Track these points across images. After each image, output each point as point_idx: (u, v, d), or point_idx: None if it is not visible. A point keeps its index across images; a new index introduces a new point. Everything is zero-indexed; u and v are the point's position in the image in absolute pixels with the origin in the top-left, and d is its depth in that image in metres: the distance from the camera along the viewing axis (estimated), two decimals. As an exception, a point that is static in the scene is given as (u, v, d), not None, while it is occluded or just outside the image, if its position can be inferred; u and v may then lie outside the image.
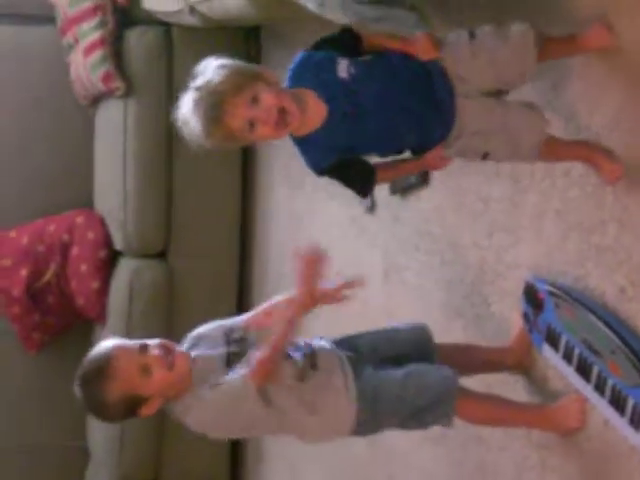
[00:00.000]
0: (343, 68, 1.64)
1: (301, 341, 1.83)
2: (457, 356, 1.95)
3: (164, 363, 1.72)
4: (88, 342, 3.66)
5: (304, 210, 3.18)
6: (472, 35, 1.69)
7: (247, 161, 3.61)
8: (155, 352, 1.73)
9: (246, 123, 1.60)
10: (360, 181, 1.74)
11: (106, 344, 1.77)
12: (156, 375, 1.71)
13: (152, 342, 1.76)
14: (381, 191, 2.64)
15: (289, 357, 1.77)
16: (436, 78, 1.68)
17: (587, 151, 1.74)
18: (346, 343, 1.88)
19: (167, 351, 1.74)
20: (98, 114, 3.61)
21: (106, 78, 3.34)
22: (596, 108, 1.74)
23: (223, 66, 1.62)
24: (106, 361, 1.72)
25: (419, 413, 1.78)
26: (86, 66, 3.39)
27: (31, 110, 3.72)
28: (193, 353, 1.80)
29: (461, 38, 1.69)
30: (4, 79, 3.71)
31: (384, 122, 1.66)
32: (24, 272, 3.55)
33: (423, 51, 1.67)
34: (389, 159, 1.77)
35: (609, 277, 1.72)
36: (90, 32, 3.36)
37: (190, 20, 3.04)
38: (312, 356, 1.80)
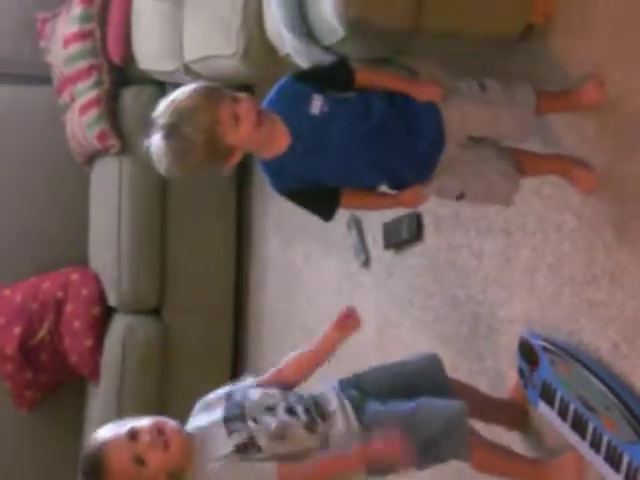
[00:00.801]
0: (317, 105, 1.66)
1: (304, 392, 1.82)
2: (469, 394, 1.92)
3: (157, 446, 1.70)
4: (81, 400, 3.65)
5: (299, 263, 3.18)
6: (482, 86, 1.72)
7: (241, 216, 3.62)
8: (146, 439, 1.70)
9: (230, 117, 1.59)
10: (322, 207, 1.74)
11: (97, 439, 1.74)
12: (151, 461, 1.70)
13: (143, 425, 1.72)
14: (375, 246, 2.65)
15: (293, 413, 1.75)
16: (426, 121, 1.69)
17: (561, 163, 1.78)
18: (352, 382, 1.86)
19: (159, 431, 1.71)
20: (93, 171, 3.63)
21: (101, 136, 3.37)
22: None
23: (183, 92, 1.62)
24: (100, 461, 1.71)
25: (432, 445, 1.72)
26: (82, 124, 3.42)
27: (27, 168, 3.74)
28: (193, 423, 1.78)
29: (473, 87, 1.72)
30: (1, 138, 3.73)
31: (348, 162, 1.67)
32: (17, 330, 3.53)
33: (429, 94, 1.69)
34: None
35: (603, 332, 1.72)
36: (86, 91, 3.39)
37: (185, 80, 3.08)
38: (317, 406, 1.77)
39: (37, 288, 3.57)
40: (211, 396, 1.84)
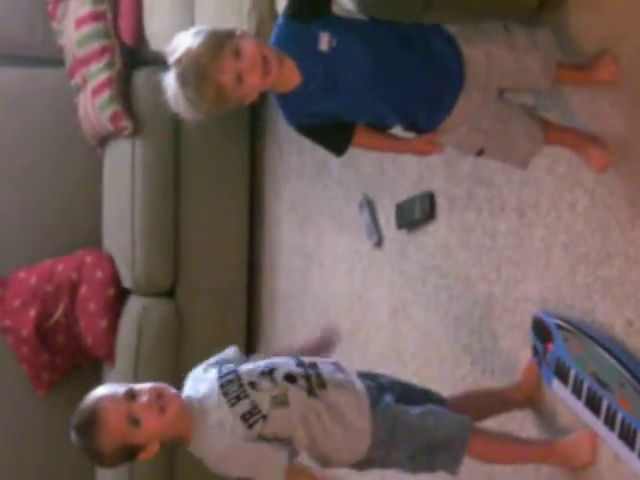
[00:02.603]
0: (324, 41, 1.63)
1: (306, 360, 1.82)
2: (469, 404, 1.94)
3: (153, 410, 1.69)
4: (97, 381, 3.67)
5: (312, 243, 3.19)
6: (507, 29, 1.69)
7: (254, 195, 3.63)
8: (143, 399, 1.69)
9: (234, 77, 1.58)
10: (335, 141, 1.72)
11: (94, 394, 1.73)
12: (146, 423, 1.68)
13: (141, 387, 1.72)
14: (388, 226, 2.65)
15: (292, 379, 1.75)
16: (445, 59, 1.65)
17: (576, 138, 1.76)
18: (369, 376, 1.87)
19: (157, 395, 1.71)
20: (106, 154, 3.64)
21: (114, 118, 3.37)
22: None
23: (196, 33, 1.61)
24: (94, 414, 1.69)
25: (432, 449, 1.76)
26: (94, 106, 3.42)
27: (39, 151, 3.75)
28: (186, 393, 1.78)
29: (498, 28, 1.69)
30: (14, 121, 3.74)
31: (360, 97, 1.65)
32: (33, 312, 3.55)
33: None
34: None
35: (617, 310, 1.71)
36: (98, 73, 3.39)
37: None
38: (318, 377, 1.77)
39: (52, 270, 3.59)
40: (199, 368, 1.84)
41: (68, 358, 3.66)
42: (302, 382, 1.75)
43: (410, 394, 1.86)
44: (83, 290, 3.53)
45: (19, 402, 3.73)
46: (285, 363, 1.79)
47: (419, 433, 1.75)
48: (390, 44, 1.64)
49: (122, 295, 3.55)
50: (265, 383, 1.74)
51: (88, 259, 3.58)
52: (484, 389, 2.07)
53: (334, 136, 1.72)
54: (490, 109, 1.70)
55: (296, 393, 1.73)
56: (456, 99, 1.66)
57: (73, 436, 1.73)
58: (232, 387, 1.74)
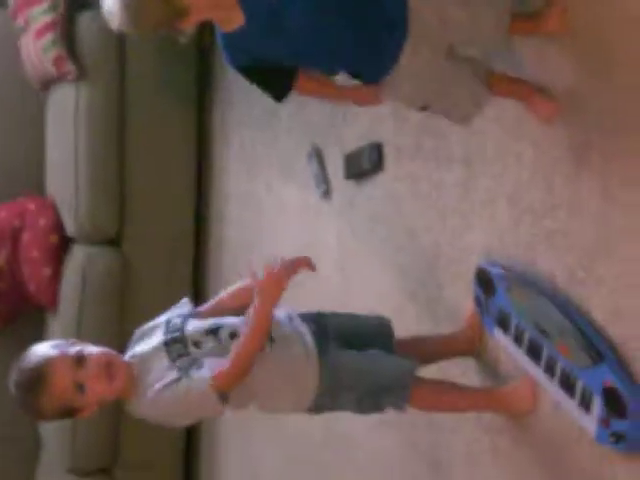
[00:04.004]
0: None
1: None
2: (415, 348, 1.96)
3: (101, 378, 1.68)
4: (40, 330, 3.63)
5: (260, 192, 3.17)
6: None
7: (202, 142, 3.58)
8: (92, 368, 1.68)
9: None
10: (276, 85, 1.68)
11: (42, 352, 1.69)
12: (90, 391, 1.68)
13: (91, 352, 1.70)
14: (336, 176, 2.64)
15: (236, 337, 1.73)
16: (389, 6, 1.60)
17: (523, 87, 1.75)
18: (312, 318, 1.88)
19: (107, 364, 1.69)
20: (50, 98, 3.56)
21: (58, 61, 3.29)
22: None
23: None
24: (41, 374, 1.66)
25: (377, 391, 1.78)
26: (37, 49, 3.33)
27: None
28: (133, 351, 1.77)
29: None
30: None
31: (304, 42, 1.60)
32: (-26, 259, 3.49)
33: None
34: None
35: (560, 260, 1.73)
36: (41, 15, 3.31)
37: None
38: None
39: (-7, 217, 3.52)
40: (149, 324, 1.83)
41: (11, 305, 3.61)
42: None
43: (354, 338, 1.87)
44: (26, 237, 3.47)
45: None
46: (231, 321, 1.79)
47: (363, 379, 1.77)
48: None
49: (66, 243, 3.50)
50: (209, 342, 1.74)
51: (31, 206, 3.52)
52: (429, 335, 2.10)
53: (275, 80, 1.67)
54: (436, 68, 1.68)
55: None
56: (399, 51, 1.63)
57: (13, 389, 1.70)
58: (176, 346, 1.74)
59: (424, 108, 1.74)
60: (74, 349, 1.70)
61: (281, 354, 1.76)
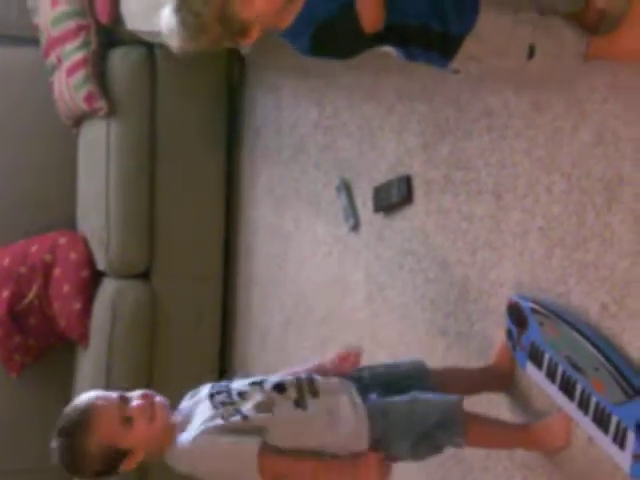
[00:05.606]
0: None
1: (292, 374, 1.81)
2: (444, 385, 1.90)
3: (146, 414, 1.68)
4: (70, 364, 3.64)
5: (289, 226, 3.17)
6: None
7: (231, 178, 3.60)
8: (136, 403, 1.69)
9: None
10: (348, 42, 1.57)
11: (87, 395, 1.72)
12: (137, 427, 1.67)
13: (133, 393, 1.73)
14: (365, 209, 2.63)
15: (281, 389, 1.73)
16: None
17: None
18: (351, 376, 1.85)
19: (148, 402, 1.70)
20: (81, 134, 3.60)
21: (89, 98, 3.33)
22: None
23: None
24: (87, 412, 1.67)
25: (430, 431, 1.73)
26: (69, 86, 3.38)
27: (13, 130, 3.70)
28: (183, 403, 1.78)
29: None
30: (-13, 100, 3.70)
31: None
32: (6, 293, 3.51)
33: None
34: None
35: (592, 294, 1.71)
36: (73, 52, 3.35)
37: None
38: (311, 383, 1.76)
39: (25, 251, 3.55)
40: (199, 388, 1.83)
41: (41, 340, 3.62)
42: (292, 391, 1.74)
43: (392, 385, 1.84)
44: (57, 272, 3.49)
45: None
46: (278, 375, 1.79)
47: (411, 423, 1.72)
48: None
49: (96, 277, 3.52)
50: (254, 392, 1.73)
51: (62, 240, 3.55)
52: (460, 369, 2.06)
53: (347, 43, 1.56)
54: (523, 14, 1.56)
55: (282, 403, 1.71)
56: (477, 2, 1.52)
57: (56, 437, 1.69)
58: (220, 396, 1.73)
59: (532, 52, 1.58)
60: (116, 393, 1.72)
61: (328, 408, 1.73)
